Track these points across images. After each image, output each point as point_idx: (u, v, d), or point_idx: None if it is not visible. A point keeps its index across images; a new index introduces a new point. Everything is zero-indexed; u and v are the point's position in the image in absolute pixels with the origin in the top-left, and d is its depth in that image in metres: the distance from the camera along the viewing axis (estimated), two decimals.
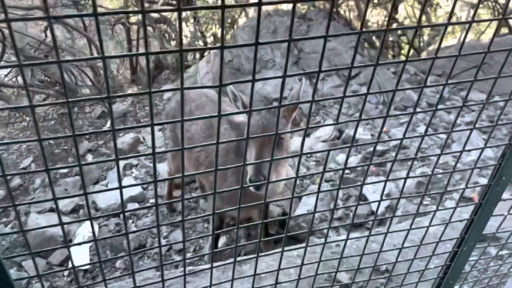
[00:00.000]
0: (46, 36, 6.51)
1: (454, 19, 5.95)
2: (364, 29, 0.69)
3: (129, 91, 6.98)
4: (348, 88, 5.03)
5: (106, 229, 3.62)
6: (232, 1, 6.82)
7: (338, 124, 0.83)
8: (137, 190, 3.89)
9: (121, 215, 3.52)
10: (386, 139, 1.02)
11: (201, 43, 7.58)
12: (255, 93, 5.22)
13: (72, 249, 3.33)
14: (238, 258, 2.12)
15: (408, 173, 1.17)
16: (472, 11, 6.95)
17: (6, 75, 6.47)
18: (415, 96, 4.73)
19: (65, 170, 4.64)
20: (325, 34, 0.62)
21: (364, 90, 5.03)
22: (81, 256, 3.23)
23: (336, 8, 6.15)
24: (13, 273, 2.96)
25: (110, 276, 3.44)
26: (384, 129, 4.13)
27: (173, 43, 7.23)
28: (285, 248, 1.44)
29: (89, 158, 4.98)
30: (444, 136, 3.90)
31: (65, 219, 3.67)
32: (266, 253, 2.05)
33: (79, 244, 0.85)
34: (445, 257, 1.37)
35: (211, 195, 0.83)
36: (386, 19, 6.54)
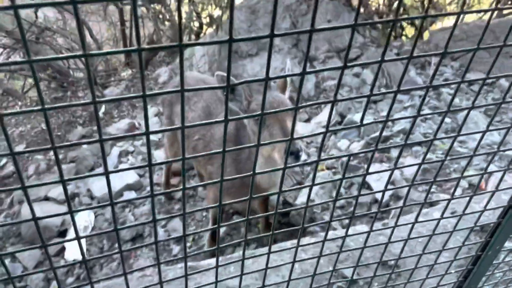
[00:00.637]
0: (37, 17, 6.31)
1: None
2: (362, 9, 0.59)
3: (123, 74, 6.84)
4: (349, 71, 4.90)
5: (102, 218, 3.55)
6: None
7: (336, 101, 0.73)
8: (133, 178, 3.81)
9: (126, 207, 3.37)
10: (392, 124, 0.93)
11: (196, 23, 7.39)
12: (252, 76, 5.09)
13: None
14: (246, 253, 2.06)
15: (423, 158, 1.08)
16: None
17: None
18: (418, 79, 4.62)
19: (59, 157, 4.54)
20: (353, 23, 0.52)
21: (366, 72, 4.91)
22: (76, 247, 3.17)
23: None
24: (8, 264, 2.89)
25: (107, 266, 3.36)
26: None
27: (167, 23, 7.04)
28: (285, 243, 1.38)
29: (84, 144, 4.88)
30: (449, 120, 3.82)
31: (60, 208, 3.59)
32: (273, 250, 1.98)
33: (87, 236, 0.77)
34: (456, 251, 1.31)
35: (212, 184, 0.74)
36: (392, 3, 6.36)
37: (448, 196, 2.81)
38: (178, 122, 2.83)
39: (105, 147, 4.43)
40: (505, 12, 6.33)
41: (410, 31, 7.21)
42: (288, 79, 2.30)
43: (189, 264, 2.01)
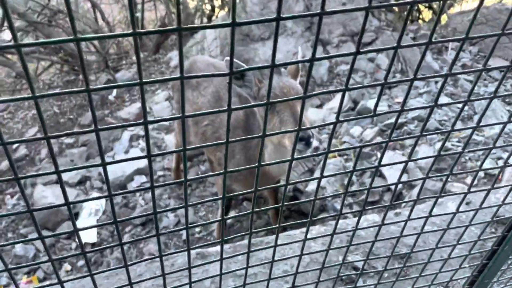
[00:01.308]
0: (49, 0, 6.29)
1: None
2: None
3: (135, 58, 6.80)
4: (364, 55, 4.79)
5: (114, 201, 3.57)
6: None
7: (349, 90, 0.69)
8: (144, 162, 3.81)
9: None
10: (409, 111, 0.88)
11: (208, 6, 7.29)
12: (264, 61, 5.01)
13: (78, 222, 3.29)
14: (253, 241, 2.04)
15: (440, 149, 1.03)
16: None
17: (9, 41, 6.30)
18: (435, 64, 4.49)
19: (71, 140, 4.57)
20: (367, 5, 0.47)
21: (380, 57, 4.79)
22: (88, 230, 3.19)
23: None
24: (18, 247, 2.94)
25: (118, 249, 3.39)
26: (400, 100, 3.94)
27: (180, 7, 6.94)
28: (294, 231, 1.35)
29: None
30: (466, 107, 3.71)
31: (72, 191, 3.62)
32: (281, 243, 1.96)
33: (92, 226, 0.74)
34: (471, 245, 1.26)
35: (219, 174, 0.70)
36: None
37: (462, 185, 2.71)
38: (188, 105, 2.80)
39: (116, 131, 4.44)
40: None
41: (427, 14, 7.00)
42: (300, 64, 2.25)
43: (197, 250, 2.00)
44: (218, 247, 2.09)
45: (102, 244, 3.23)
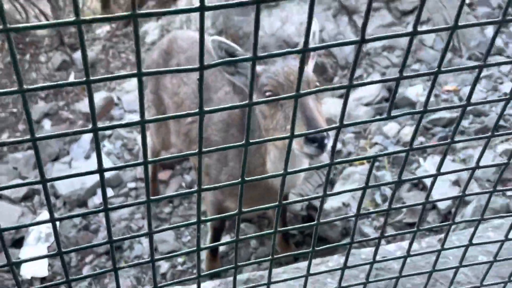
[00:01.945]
0: None
1: None
2: None
3: (99, 32, 6.87)
4: (403, 27, 4.81)
5: (70, 224, 3.62)
6: None
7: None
8: (111, 172, 3.86)
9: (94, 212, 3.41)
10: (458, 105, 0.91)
11: None
12: (271, 35, 5.04)
13: (23, 250, 3.35)
14: (252, 275, 2.07)
15: (510, 157, 1.06)
16: None
17: None
18: (498, 40, 4.50)
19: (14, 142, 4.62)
20: None
21: (424, 28, 4.79)
22: (35, 262, 3.24)
23: None
24: None
25: (77, 286, 3.46)
26: (452, 87, 3.96)
27: None
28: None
29: (46, 124, 4.96)
30: None
31: (14, 209, 3.67)
32: (284, 267, 1.99)
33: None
34: None
35: (209, 184, 0.74)
36: None
37: None
38: (167, 96, 2.84)
39: (75, 128, 4.50)
40: None
41: None
42: (315, 39, 2.25)
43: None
44: (206, 283, 2.12)
45: (56, 279, 3.28)
